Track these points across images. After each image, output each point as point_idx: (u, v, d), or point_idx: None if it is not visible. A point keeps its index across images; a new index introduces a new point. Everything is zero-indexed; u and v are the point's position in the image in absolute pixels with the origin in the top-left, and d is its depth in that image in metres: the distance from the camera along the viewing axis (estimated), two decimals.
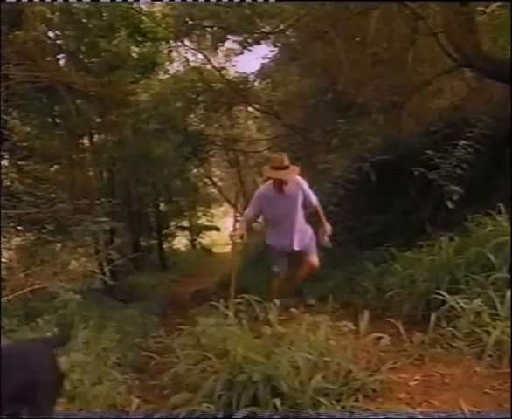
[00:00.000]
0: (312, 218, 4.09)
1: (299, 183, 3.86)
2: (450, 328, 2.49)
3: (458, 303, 2.57)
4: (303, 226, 3.94)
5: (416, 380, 2.21)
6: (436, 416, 1.85)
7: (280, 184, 3.74)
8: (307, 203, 3.91)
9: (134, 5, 8.38)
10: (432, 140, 4.77)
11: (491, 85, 5.13)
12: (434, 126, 4.93)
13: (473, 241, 3.25)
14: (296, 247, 3.87)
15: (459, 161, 4.19)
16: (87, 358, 2.76)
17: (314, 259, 3.89)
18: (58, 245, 6.01)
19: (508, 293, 2.49)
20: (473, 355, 2.29)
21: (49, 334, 3.02)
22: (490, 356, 2.20)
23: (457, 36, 4.42)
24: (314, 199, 3.96)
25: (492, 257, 2.88)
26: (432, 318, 2.56)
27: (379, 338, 2.52)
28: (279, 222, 3.88)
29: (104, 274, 6.92)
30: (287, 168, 3.73)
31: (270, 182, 3.85)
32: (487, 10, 4.95)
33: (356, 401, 2.00)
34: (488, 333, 2.29)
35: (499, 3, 4.75)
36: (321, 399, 1.95)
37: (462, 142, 4.19)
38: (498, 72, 4.39)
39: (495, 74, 4.51)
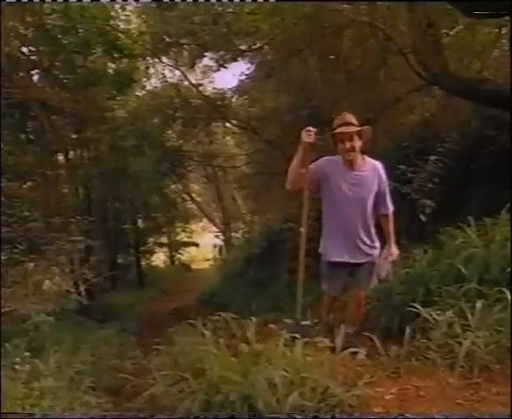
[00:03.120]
0: None
1: (376, 168, 2.84)
2: (424, 340, 2.54)
3: (431, 315, 2.62)
4: (371, 233, 2.84)
5: (392, 393, 2.23)
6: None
7: (350, 149, 2.73)
8: (379, 202, 2.81)
9: (111, 22, 8.38)
10: (404, 154, 4.93)
11: (459, 102, 5.35)
12: (406, 141, 5.09)
13: (445, 253, 3.34)
14: (352, 259, 2.81)
15: (430, 175, 4.33)
16: (59, 383, 2.66)
17: (364, 291, 2.95)
18: (31, 265, 5.82)
19: (478, 304, 2.56)
20: (447, 366, 2.33)
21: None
22: (462, 367, 2.25)
23: (424, 56, 4.60)
24: (390, 201, 2.87)
25: (463, 269, 2.97)
26: (407, 330, 2.60)
27: (356, 352, 2.54)
28: (341, 214, 2.80)
29: (80, 294, 6.74)
30: (352, 125, 2.77)
31: (337, 156, 2.89)
32: (451, 33, 5.19)
33: (333, 417, 2.00)
34: (460, 344, 2.34)
35: (461, 26, 5.00)
36: (298, 416, 1.94)
37: (433, 157, 4.35)
38: (464, 89, 4.59)
39: (461, 92, 4.70)
